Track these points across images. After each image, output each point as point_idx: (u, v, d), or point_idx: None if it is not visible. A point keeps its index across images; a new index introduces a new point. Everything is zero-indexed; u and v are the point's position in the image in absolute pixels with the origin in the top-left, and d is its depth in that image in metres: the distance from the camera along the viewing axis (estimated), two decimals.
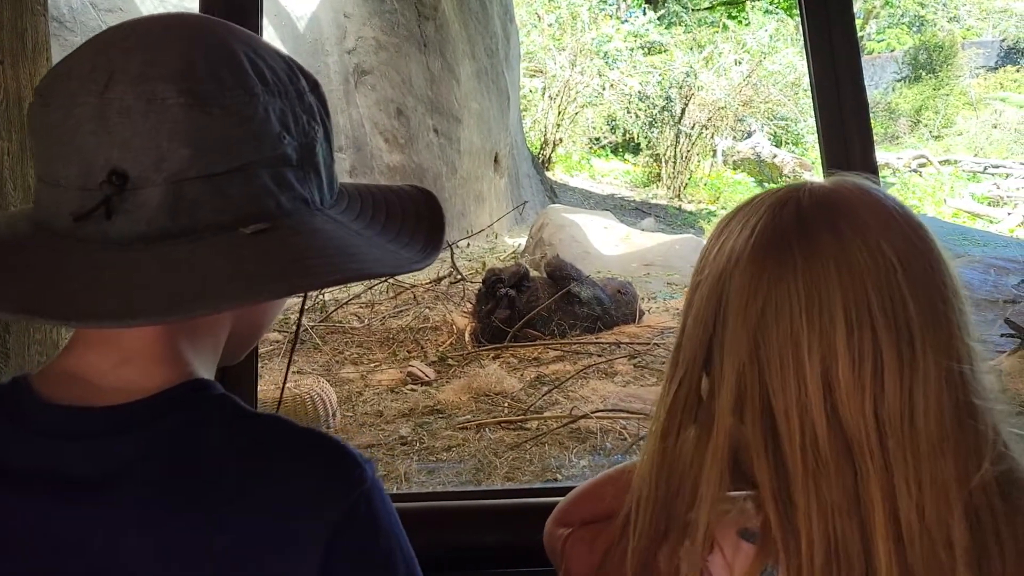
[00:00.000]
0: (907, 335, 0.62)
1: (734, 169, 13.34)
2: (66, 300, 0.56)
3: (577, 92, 13.27)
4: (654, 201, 12.30)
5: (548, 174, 12.95)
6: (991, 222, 10.38)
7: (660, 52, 13.75)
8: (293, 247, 0.60)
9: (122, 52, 0.59)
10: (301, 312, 1.01)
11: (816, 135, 1.37)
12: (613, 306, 5.39)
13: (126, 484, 0.57)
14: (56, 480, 0.57)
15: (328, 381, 4.25)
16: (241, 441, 0.60)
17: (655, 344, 4.99)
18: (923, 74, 15.75)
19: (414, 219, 0.70)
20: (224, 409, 0.62)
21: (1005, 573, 0.61)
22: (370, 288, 6.00)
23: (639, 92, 13.13)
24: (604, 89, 13.35)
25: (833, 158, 1.28)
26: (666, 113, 13.03)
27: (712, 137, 13.13)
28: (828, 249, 0.64)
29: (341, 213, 0.67)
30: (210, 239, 0.58)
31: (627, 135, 13.84)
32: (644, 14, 14.21)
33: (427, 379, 4.54)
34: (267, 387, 3.95)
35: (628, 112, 13.28)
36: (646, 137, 13.32)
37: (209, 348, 0.67)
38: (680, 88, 12.83)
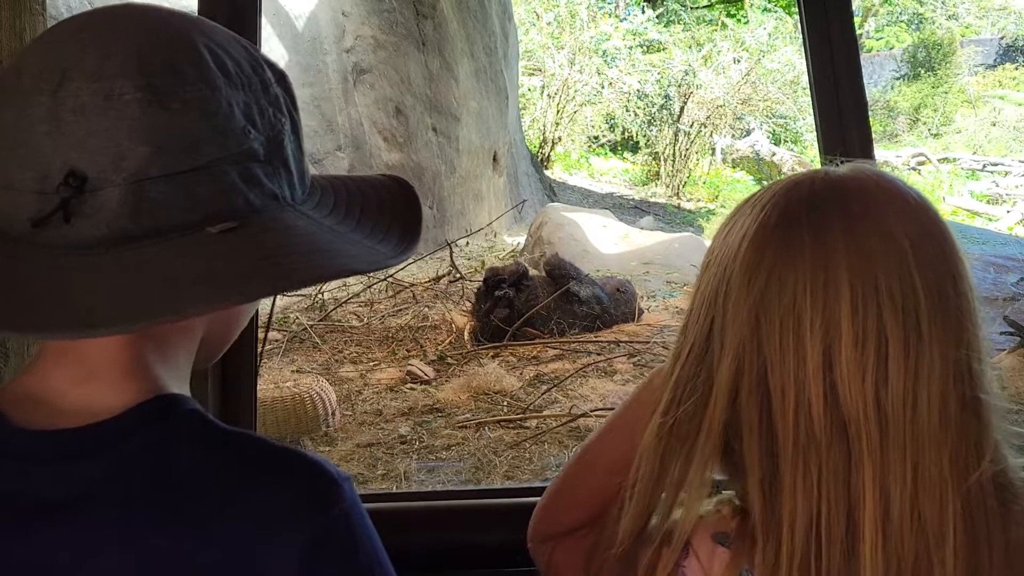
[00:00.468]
0: (914, 322, 0.60)
1: (733, 167, 13.33)
2: (26, 310, 0.53)
3: (576, 90, 13.27)
4: (653, 199, 12.30)
5: (547, 173, 12.95)
6: (990, 220, 10.39)
7: (659, 50, 13.75)
8: (263, 245, 0.57)
9: (75, 48, 0.56)
10: (271, 315, 1.00)
11: (815, 133, 1.37)
12: (612, 304, 5.40)
13: (98, 504, 0.56)
14: (22, 504, 0.56)
15: (327, 380, 4.25)
16: (218, 458, 0.59)
17: (654, 342, 5.00)
18: (922, 72, 15.75)
19: (390, 213, 0.67)
20: (194, 425, 0.60)
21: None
22: (369, 287, 6.00)
23: (638, 90, 13.13)
24: (603, 87, 13.35)
25: (832, 156, 1.28)
26: (665, 111, 13.02)
27: (711, 135, 13.12)
28: (838, 229, 0.62)
29: (314, 208, 0.64)
30: (176, 240, 0.55)
31: (626, 133, 13.83)
32: (643, 12, 14.20)
33: (426, 378, 4.54)
34: (266, 386, 3.95)
35: (627, 110, 13.28)
36: (645, 135, 13.32)
37: (181, 357, 0.65)
38: (679, 86, 12.83)
